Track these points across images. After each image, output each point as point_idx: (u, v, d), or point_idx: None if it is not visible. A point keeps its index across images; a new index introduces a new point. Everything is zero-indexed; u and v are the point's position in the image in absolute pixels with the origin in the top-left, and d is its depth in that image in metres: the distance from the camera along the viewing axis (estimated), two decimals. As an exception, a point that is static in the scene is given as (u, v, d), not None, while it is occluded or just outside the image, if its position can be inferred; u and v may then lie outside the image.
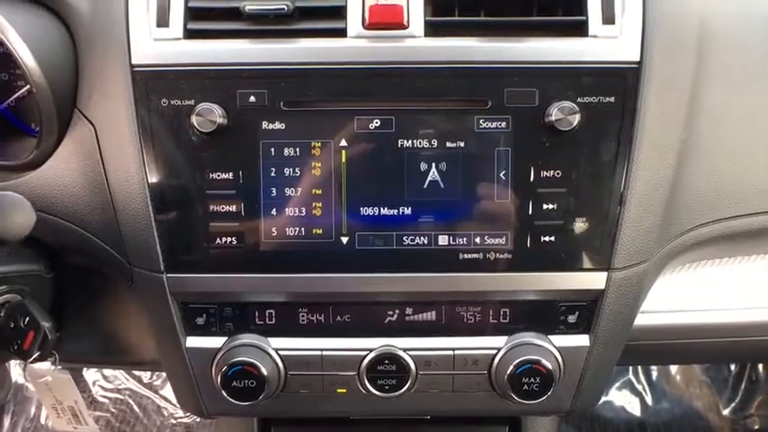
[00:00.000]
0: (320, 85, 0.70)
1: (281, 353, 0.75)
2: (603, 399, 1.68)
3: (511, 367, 0.72)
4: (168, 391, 1.77)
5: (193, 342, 0.76)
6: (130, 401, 1.76)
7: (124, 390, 1.78)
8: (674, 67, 0.70)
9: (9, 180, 0.76)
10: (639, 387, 1.70)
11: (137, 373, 1.78)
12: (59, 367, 0.85)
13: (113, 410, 1.75)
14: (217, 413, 0.81)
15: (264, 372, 0.72)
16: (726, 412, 1.63)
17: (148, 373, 1.78)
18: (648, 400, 1.68)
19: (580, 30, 0.70)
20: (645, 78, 0.69)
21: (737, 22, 0.75)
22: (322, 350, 0.75)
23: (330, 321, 0.75)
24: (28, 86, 0.77)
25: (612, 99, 0.69)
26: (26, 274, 0.77)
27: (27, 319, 0.72)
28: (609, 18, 0.69)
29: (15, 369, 1.76)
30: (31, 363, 0.73)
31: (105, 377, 1.78)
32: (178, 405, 1.69)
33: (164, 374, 1.78)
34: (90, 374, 1.78)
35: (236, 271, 0.73)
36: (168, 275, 0.73)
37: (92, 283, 0.84)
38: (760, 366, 1.60)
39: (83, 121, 0.73)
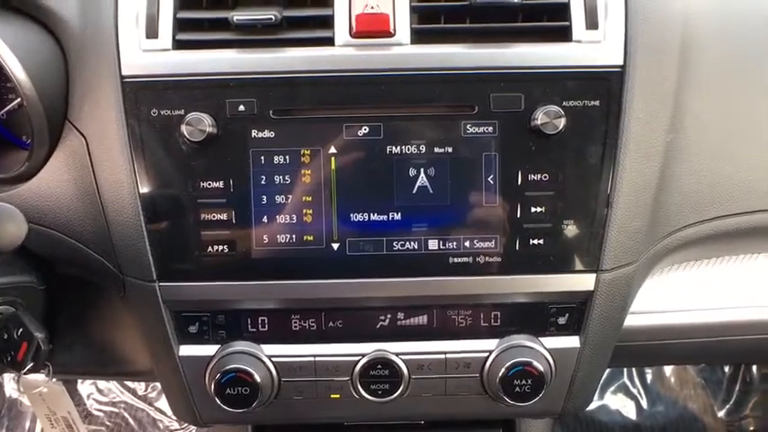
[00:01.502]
0: (309, 93, 0.70)
1: (274, 359, 0.75)
2: (599, 402, 1.68)
3: (502, 370, 0.73)
4: (163, 403, 1.76)
5: (186, 350, 0.76)
6: (125, 414, 1.75)
7: (119, 403, 1.76)
8: (658, 70, 0.71)
9: (0, 192, 0.76)
10: (634, 390, 1.70)
11: (131, 385, 1.77)
12: (53, 379, 0.85)
13: (108, 424, 1.74)
14: (211, 421, 0.81)
15: (258, 378, 0.72)
16: (721, 414, 1.63)
17: (143, 386, 1.77)
18: (643, 403, 1.68)
19: (564, 35, 0.71)
20: (628, 82, 0.70)
21: (721, 24, 0.77)
22: (315, 356, 0.75)
23: (322, 327, 0.75)
24: (19, 99, 0.78)
25: (597, 103, 0.70)
26: (18, 286, 0.77)
27: (20, 330, 0.73)
28: (592, 23, 0.70)
29: (9, 384, 1.75)
30: (25, 374, 0.73)
31: (100, 390, 1.77)
32: (172, 415, 1.69)
33: (158, 386, 1.77)
34: (84, 387, 1.77)
35: (228, 279, 0.73)
36: (160, 284, 0.73)
37: (84, 294, 0.84)
38: (754, 367, 1.60)
39: (74, 133, 0.73)
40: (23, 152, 0.84)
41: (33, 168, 0.75)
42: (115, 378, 1.39)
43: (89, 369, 0.93)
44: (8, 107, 0.81)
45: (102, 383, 1.76)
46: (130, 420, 1.74)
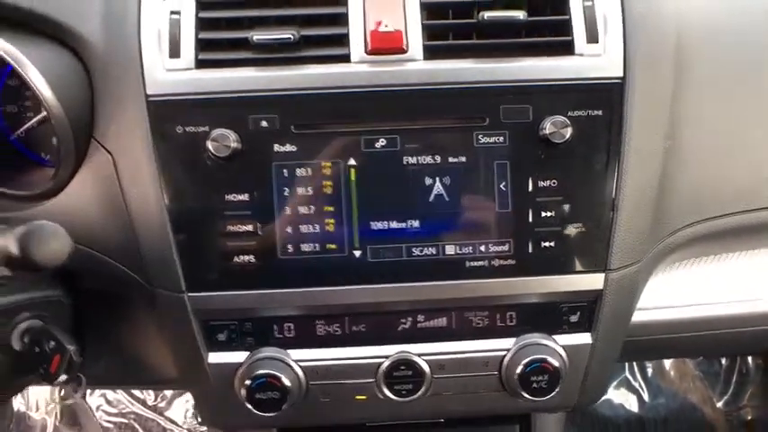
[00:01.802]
0: (327, 108, 0.74)
1: (302, 364, 0.78)
2: (602, 397, 1.72)
3: (520, 367, 0.76)
4: (173, 412, 1.78)
5: (215, 358, 0.79)
6: (135, 425, 1.76)
7: (128, 413, 1.78)
8: (655, 80, 0.75)
9: (26, 210, 0.78)
10: (636, 384, 1.75)
11: (141, 395, 1.78)
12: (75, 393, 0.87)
13: (118, 435, 1.76)
14: (240, 426, 0.84)
15: (287, 383, 0.75)
16: (719, 405, 1.68)
17: (152, 396, 1.79)
18: (645, 396, 1.73)
19: (566, 49, 0.75)
20: (628, 92, 0.74)
21: (712, 30, 0.81)
22: (340, 359, 0.78)
23: (346, 331, 0.78)
24: (39, 117, 0.80)
25: (600, 112, 0.74)
26: (45, 300, 0.79)
27: (52, 343, 0.74)
28: (592, 37, 0.74)
29: (17, 398, 1.75)
30: (57, 386, 0.75)
31: (109, 402, 1.78)
32: (182, 425, 1.70)
33: (168, 396, 1.79)
34: (94, 400, 1.78)
35: (255, 287, 0.76)
36: (189, 294, 0.75)
37: (109, 305, 0.86)
38: (749, 359, 1.65)
39: (100, 151, 0.76)
40: (46, 169, 0.86)
41: (59, 185, 0.78)
42: (141, 387, 1.40)
43: (117, 379, 0.95)
44: (27, 125, 0.83)
45: (111, 395, 1.78)
46: (140, 431, 1.76)
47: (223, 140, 0.71)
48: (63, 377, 0.74)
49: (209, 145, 0.72)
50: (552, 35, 0.75)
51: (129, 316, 0.86)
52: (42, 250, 0.54)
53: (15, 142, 0.85)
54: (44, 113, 0.84)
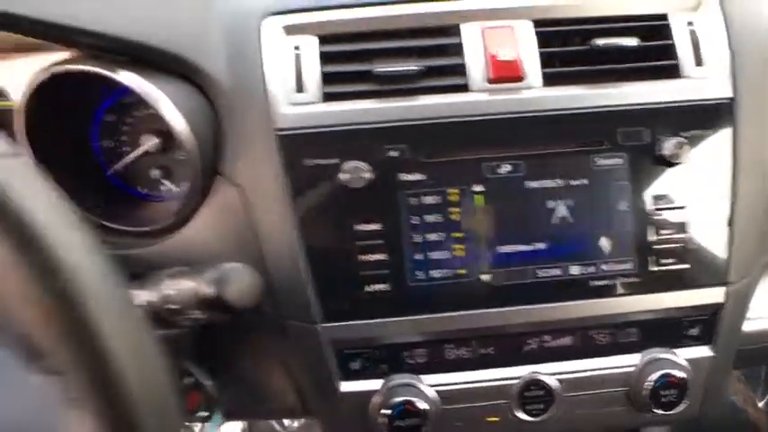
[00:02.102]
0: (452, 136, 0.76)
1: (436, 388, 0.78)
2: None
3: (650, 382, 0.78)
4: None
5: (348, 386, 0.79)
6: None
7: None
8: (762, 98, 0.79)
9: (147, 246, 0.78)
10: (682, 388, 1.78)
11: (186, 423, 1.75)
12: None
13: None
14: None
15: (425, 408, 0.76)
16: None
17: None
18: (690, 399, 1.76)
19: (673, 72, 0.78)
20: (738, 111, 0.78)
21: None
22: (472, 382, 0.79)
23: (475, 354, 0.80)
24: (140, 150, 0.80)
25: (713, 131, 0.77)
26: (171, 335, 0.78)
27: (188, 379, 0.74)
28: (699, 60, 0.78)
29: None
30: (195, 422, 0.75)
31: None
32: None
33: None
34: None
35: (387, 315, 0.77)
36: (323, 325, 0.76)
37: (231, 336, 0.86)
38: (788, 361, 1.70)
39: (227, 185, 0.76)
40: (152, 204, 0.86)
41: (181, 220, 0.78)
42: (267, 418, 1.38)
43: (242, 411, 0.94)
44: (126, 159, 0.83)
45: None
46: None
47: (357, 172, 0.73)
48: (203, 413, 0.74)
49: (343, 176, 0.73)
50: (657, 59, 0.78)
51: (253, 346, 0.86)
52: (236, 292, 0.55)
53: (112, 177, 0.85)
54: (145, 147, 0.84)
